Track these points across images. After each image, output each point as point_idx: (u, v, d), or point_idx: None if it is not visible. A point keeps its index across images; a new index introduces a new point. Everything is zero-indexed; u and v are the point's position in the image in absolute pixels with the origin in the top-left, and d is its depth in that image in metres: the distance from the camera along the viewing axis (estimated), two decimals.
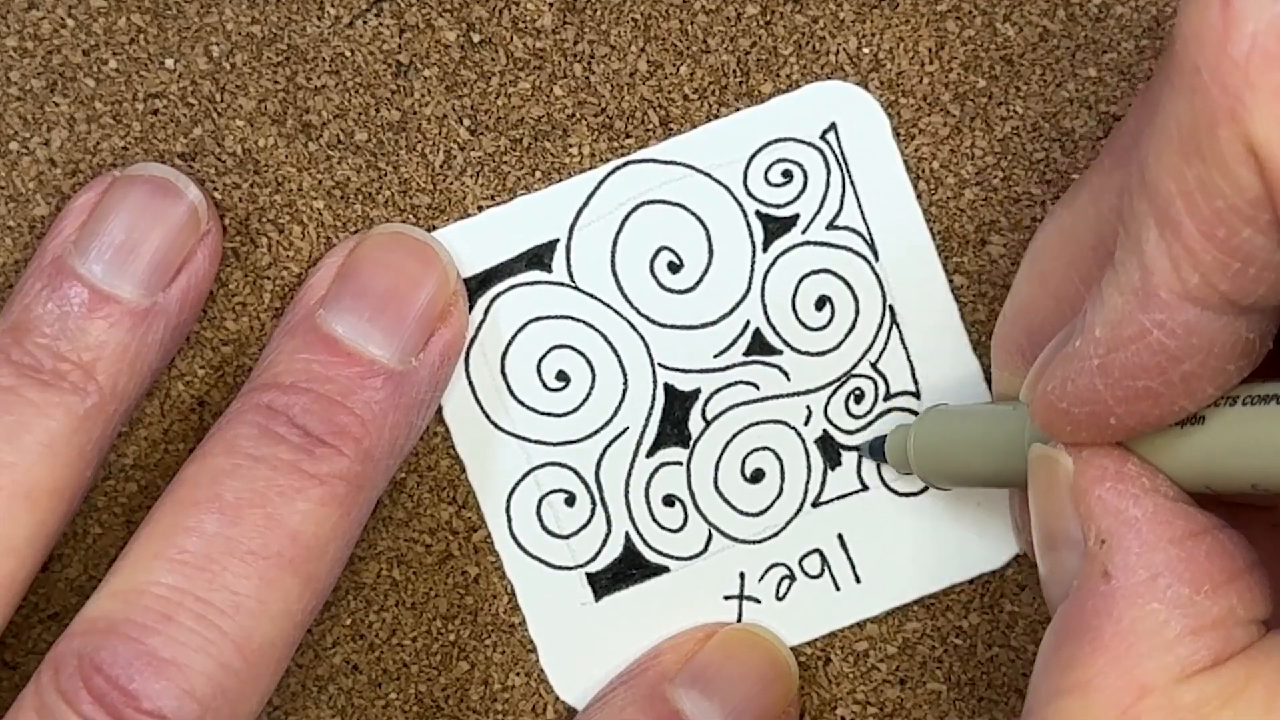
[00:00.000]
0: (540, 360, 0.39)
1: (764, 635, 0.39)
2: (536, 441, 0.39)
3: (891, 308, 0.39)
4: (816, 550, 0.39)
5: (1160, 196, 0.27)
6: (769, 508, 0.39)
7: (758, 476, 0.39)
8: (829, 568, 0.39)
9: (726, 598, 0.39)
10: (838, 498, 0.39)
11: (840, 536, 0.39)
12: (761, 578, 0.39)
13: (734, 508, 0.39)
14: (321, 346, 0.37)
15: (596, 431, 0.39)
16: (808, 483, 0.39)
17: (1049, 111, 0.38)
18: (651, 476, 0.39)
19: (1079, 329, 0.30)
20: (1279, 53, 0.26)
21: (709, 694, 0.38)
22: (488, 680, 0.39)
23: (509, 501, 0.39)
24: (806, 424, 0.39)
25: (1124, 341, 0.29)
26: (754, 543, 0.39)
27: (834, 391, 0.39)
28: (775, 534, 0.39)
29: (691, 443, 0.39)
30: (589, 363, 0.39)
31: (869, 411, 0.39)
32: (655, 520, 0.39)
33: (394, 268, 0.37)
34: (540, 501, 0.39)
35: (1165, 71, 0.27)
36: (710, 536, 0.39)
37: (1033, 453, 0.32)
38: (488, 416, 0.39)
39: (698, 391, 0.39)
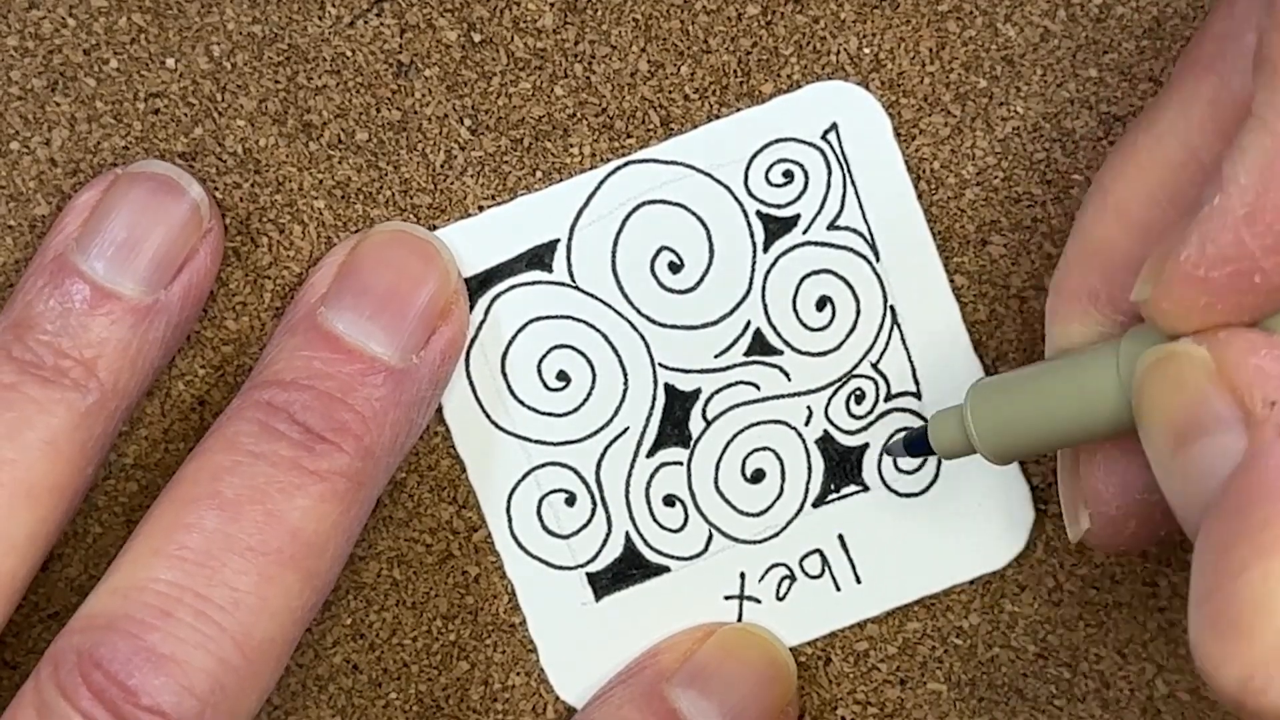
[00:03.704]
0: (541, 360, 0.39)
1: (762, 635, 0.39)
2: (537, 441, 0.39)
3: (893, 308, 0.39)
4: (817, 550, 0.39)
5: None
6: (769, 508, 0.39)
7: (758, 476, 0.39)
8: (829, 568, 0.39)
9: (727, 598, 0.39)
10: (838, 498, 0.39)
11: (841, 537, 0.39)
12: (762, 578, 0.39)
13: (734, 508, 0.39)
14: (322, 344, 0.37)
15: (597, 431, 0.39)
16: (808, 483, 0.39)
17: (1050, 112, 0.38)
18: (652, 476, 0.39)
19: (1208, 196, 0.29)
20: None
21: (707, 693, 0.38)
22: (488, 680, 0.39)
23: (509, 501, 0.39)
24: (807, 424, 0.39)
25: (1275, 179, 0.28)
26: (754, 543, 0.39)
27: (835, 392, 0.39)
28: (776, 534, 0.39)
29: (692, 443, 0.39)
30: (589, 363, 0.39)
31: (870, 412, 0.39)
32: (656, 520, 0.39)
33: (395, 266, 0.37)
34: (540, 501, 0.39)
35: None
36: (711, 536, 0.39)
37: (1150, 356, 0.31)
38: (488, 416, 0.39)
39: (698, 391, 0.39)
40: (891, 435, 0.39)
